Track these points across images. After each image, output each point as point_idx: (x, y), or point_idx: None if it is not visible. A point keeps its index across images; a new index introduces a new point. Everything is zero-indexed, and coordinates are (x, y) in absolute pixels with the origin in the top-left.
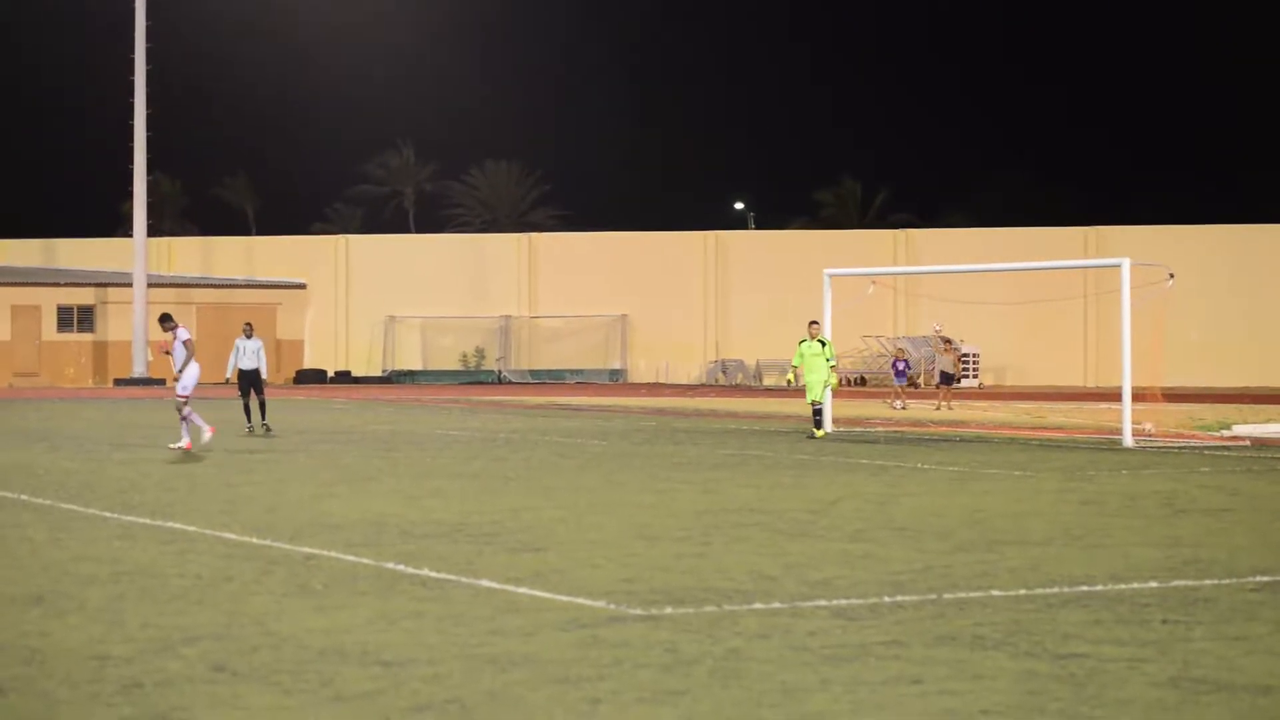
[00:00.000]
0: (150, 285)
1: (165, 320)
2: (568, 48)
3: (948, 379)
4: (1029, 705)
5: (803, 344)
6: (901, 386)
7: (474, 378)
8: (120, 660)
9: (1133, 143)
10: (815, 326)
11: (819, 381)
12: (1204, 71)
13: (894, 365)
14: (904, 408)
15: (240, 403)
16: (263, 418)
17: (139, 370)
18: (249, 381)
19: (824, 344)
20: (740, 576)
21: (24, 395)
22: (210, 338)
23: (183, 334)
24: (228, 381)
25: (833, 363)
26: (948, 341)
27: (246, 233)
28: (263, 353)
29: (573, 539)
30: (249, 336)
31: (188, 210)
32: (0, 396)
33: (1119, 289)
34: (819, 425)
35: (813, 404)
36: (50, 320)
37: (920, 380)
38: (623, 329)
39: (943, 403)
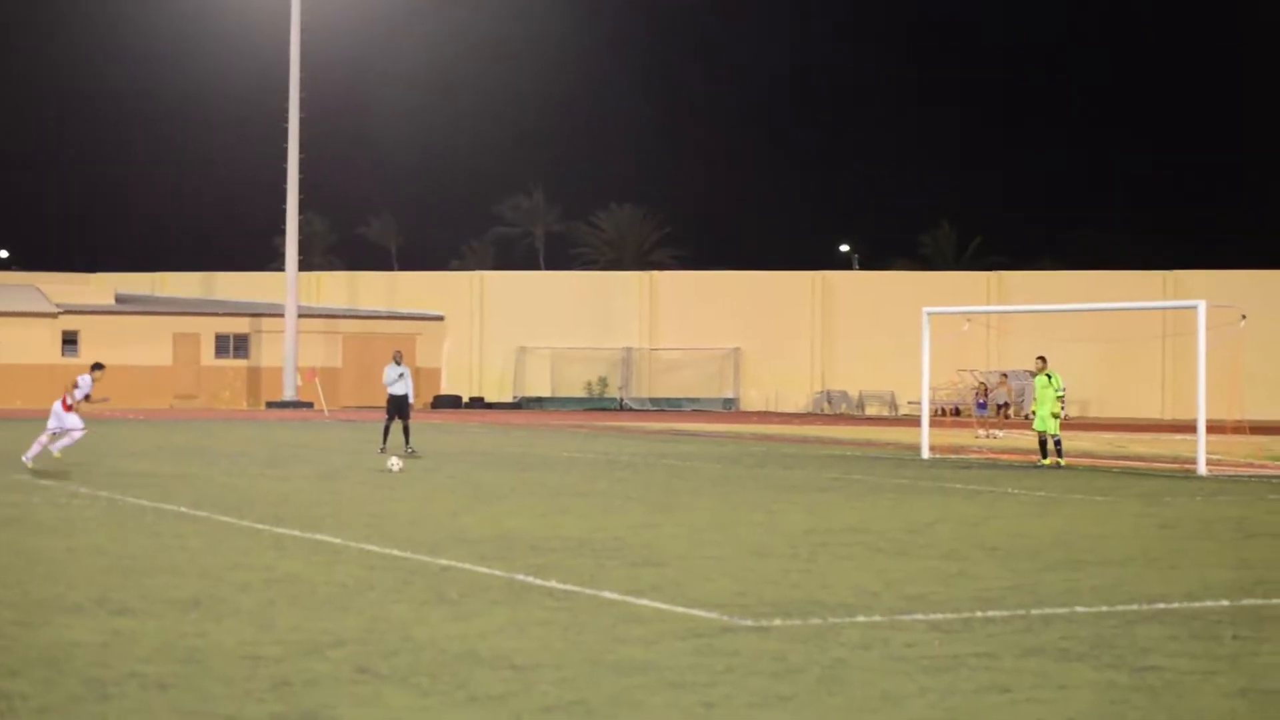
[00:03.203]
0: (300, 316)
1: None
2: (692, 103)
3: (1003, 408)
4: (1110, 714)
5: (1035, 378)
6: (982, 417)
7: (598, 404)
8: (271, 660)
9: (1210, 191)
10: (1041, 361)
11: (1046, 413)
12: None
13: (976, 399)
14: (988, 436)
15: (383, 424)
16: (407, 441)
17: (289, 394)
18: (397, 406)
19: (1050, 377)
20: (843, 591)
21: (184, 416)
22: (355, 365)
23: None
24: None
25: (1060, 394)
26: (1004, 376)
27: (389, 268)
28: (410, 379)
29: (689, 554)
30: (399, 364)
31: (334, 247)
32: (162, 417)
33: (1195, 328)
34: (1044, 454)
35: (1039, 434)
36: (209, 347)
37: (1011, 411)
38: (736, 361)
39: (998, 430)
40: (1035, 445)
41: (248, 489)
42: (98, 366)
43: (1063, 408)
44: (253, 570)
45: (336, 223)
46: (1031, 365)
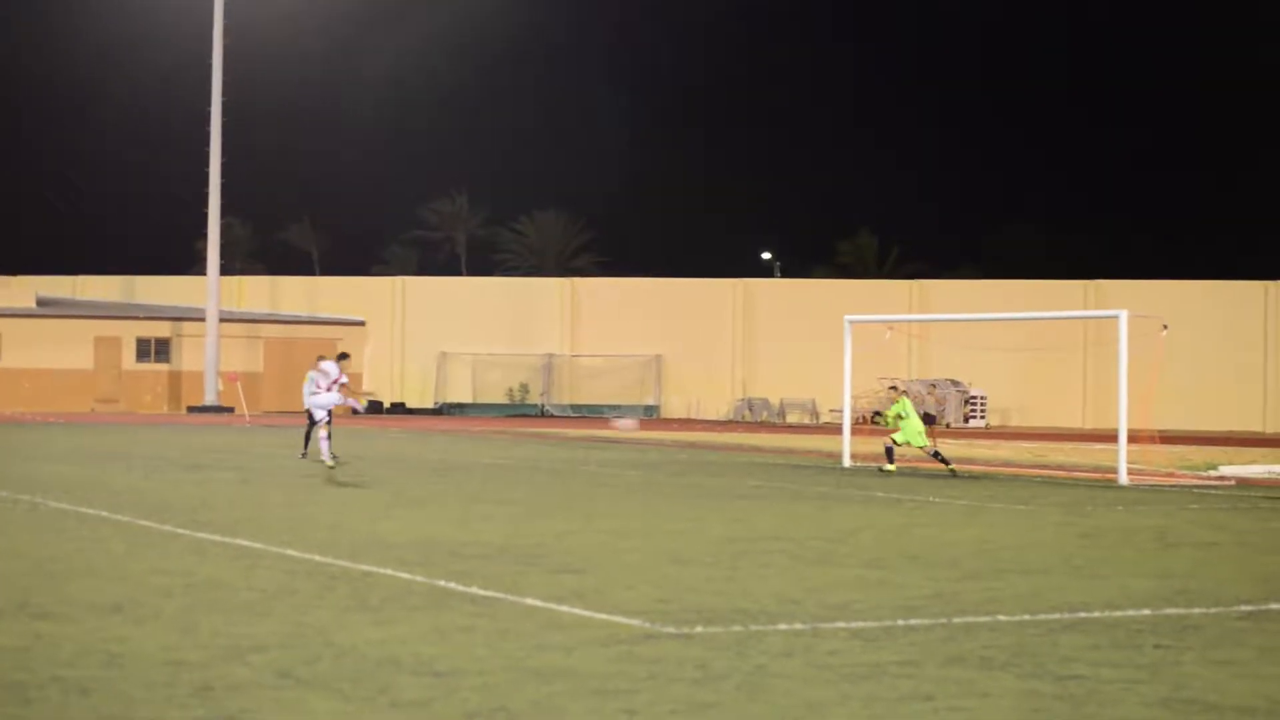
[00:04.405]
0: (221, 320)
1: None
2: (613, 109)
3: (929, 419)
4: None
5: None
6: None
7: (519, 411)
8: (193, 666)
9: (1132, 200)
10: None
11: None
12: (1204, 138)
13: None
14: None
15: (304, 429)
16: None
17: (210, 398)
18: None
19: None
20: (765, 599)
21: (105, 420)
22: (276, 370)
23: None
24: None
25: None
26: (933, 386)
27: (311, 273)
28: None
29: (610, 561)
30: None
31: (256, 251)
32: (83, 421)
33: (1116, 338)
34: (890, 459)
35: (901, 444)
36: (130, 351)
37: (937, 422)
38: (657, 368)
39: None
40: (958, 454)
41: (168, 493)
42: (343, 356)
43: (925, 422)
44: (174, 575)
45: (258, 227)
46: (953, 374)
